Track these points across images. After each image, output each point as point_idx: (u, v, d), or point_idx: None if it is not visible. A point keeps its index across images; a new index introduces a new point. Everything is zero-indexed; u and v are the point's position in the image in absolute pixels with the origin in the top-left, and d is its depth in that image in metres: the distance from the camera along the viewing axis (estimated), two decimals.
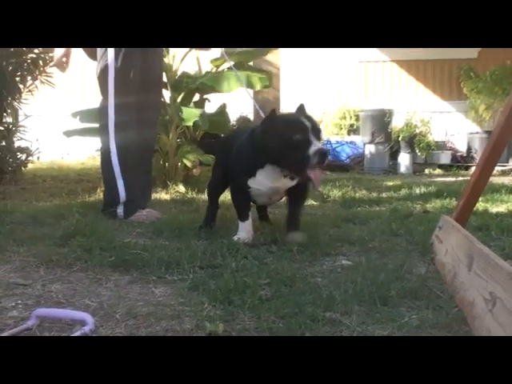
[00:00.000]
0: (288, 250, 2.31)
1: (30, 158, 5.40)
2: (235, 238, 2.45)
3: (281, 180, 2.42)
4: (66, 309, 1.66)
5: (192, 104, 4.35)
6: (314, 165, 2.22)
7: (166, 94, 4.29)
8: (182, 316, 1.59)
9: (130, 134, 3.03)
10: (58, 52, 3.10)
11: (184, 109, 4.15)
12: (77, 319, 1.53)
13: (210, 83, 4.10)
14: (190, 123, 3.94)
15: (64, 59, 3.10)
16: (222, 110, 4.61)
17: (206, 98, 4.51)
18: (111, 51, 3.00)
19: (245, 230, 2.48)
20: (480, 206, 3.59)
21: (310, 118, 2.32)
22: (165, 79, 4.26)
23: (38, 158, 6.61)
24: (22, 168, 5.36)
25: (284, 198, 2.67)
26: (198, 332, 1.47)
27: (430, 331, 1.46)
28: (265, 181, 2.42)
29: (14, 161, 5.16)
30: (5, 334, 1.45)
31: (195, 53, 4.41)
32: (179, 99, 4.26)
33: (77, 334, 1.45)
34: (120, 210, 3.11)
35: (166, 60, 4.22)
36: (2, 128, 5.04)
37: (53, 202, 3.73)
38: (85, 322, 1.50)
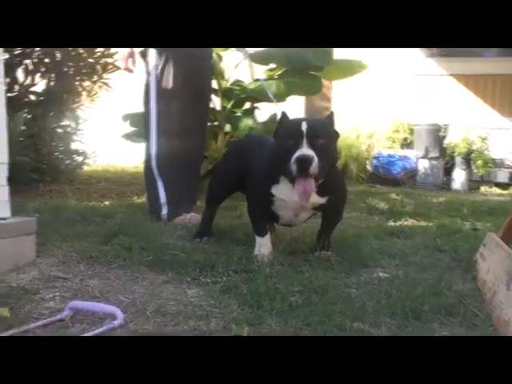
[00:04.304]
0: (326, 260, 2.28)
1: (86, 161, 5.60)
2: (255, 253, 2.26)
3: None
4: (100, 303, 1.70)
5: (241, 112, 4.38)
6: (297, 174, 2.01)
7: (217, 101, 4.36)
8: (210, 317, 1.61)
9: (174, 139, 3.10)
10: (122, 53, 3.19)
11: (238, 118, 4.20)
12: (108, 313, 1.57)
13: (259, 91, 4.12)
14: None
15: (130, 60, 3.19)
16: (273, 119, 4.62)
17: (256, 107, 4.54)
18: (153, 59, 3.09)
19: (264, 246, 2.29)
20: None
21: (312, 122, 2.09)
22: (216, 86, 4.33)
23: (95, 160, 6.88)
24: (78, 170, 5.57)
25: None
26: (224, 333, 1.48)
27: None
28: (289, 191, 2.14)
29: (70, 162, 5.36)
30: (38, 323, 1.51)
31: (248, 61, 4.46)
32: (229, 106, 4.31)
33: (106, 327, 1.49)
34: (164, 212, 3.18)
35: (218, 67, 4.28)
36: (61, 130, 5.25)
37: (103, 202, 3.84)
38: (115, 317, 1.54)
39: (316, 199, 2.21)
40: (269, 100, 4.18)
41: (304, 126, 2.03)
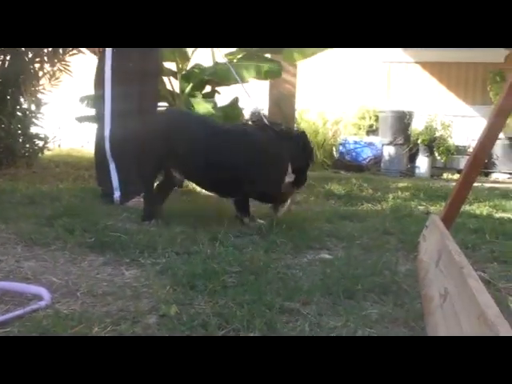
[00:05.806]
0: (272, 242, 2.28)
1: (47, 145, 5.46)
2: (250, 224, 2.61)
3: None
4: (31, 285, 1.66)
5: (201, 95, 4.33)
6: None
7: (176, 84, 4.30)
8: (142, 297, 1.58)
9: (125, 121, 3.05)
10: None
11: (195, 100, 4.14)
12: (34, 294, 1.54)
13: (219, 74, 4.08)
14: None
15: None
16: (234, 104, 4.58)
17: (216, 91, 4.49)
18: None
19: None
20: (486, 210, 3.50)
21: None
22: (175, 69, 4.28)
23: (59, 145, 6.73)
24: (39, 154, 5.42)
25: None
26: (152, 313, 1.46)
27: (386, 326, 1.42)
28: None
29: (30, 146, 5.23)
30: None
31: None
32: (188, 89, 4.25)
33: (32, 307, 1.45)
34: (117, 195, 3.13)
35: (178, 50, 4.21)
36: (21, 114, 5.11)
37: (58, 185, 3.76)
38: (41, 297, 1.51)
39: None
40: (227, 83, 4.15)
41: None
